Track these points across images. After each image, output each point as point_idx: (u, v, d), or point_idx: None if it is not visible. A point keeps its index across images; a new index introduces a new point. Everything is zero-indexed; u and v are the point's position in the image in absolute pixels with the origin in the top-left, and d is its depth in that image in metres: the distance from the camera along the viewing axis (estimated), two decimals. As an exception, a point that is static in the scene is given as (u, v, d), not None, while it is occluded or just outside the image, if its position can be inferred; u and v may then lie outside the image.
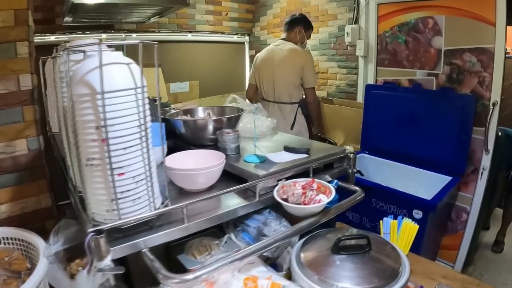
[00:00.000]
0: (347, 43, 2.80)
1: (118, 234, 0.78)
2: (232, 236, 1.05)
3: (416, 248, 1.17)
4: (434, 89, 2.31)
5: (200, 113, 1.60)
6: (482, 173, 2.13)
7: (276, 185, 1.05)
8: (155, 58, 0.75)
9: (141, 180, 0.76)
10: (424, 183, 2.13)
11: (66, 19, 2.25)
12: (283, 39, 2.63)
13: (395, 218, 1.20)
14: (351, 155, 1.34)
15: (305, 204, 0.97)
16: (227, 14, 3.57)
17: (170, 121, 1.38)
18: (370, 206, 2.01)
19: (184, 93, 3.43)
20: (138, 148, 0.75)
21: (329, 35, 2.97)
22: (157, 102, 1.14)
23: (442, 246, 2.34)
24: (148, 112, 0.78)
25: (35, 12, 2.42)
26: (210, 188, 1.06)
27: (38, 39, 2.65)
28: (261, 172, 1.05)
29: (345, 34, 2.75)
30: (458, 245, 2.28)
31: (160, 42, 3.19)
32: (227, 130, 1.28)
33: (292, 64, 2.52)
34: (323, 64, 3.07)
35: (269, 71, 2.60)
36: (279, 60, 2.56)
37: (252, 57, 3.93)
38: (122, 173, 0.72)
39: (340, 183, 1.19)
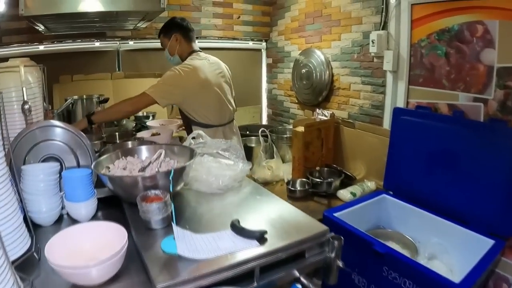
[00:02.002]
0: (372, 54, 2.40)
1: None
2: None
3: None
4: (481, 119, 1.90)
5: (145, 153, 1.39)
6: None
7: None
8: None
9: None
10: (457, 243, 1.76)
11: (41, 29, 2.23)
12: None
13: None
14: (335, 242, 1.00)
15: None
16: (239, 17, 3.33)
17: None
18: (381, 275, 1.65)
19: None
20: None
21: (352, 43, 2.59)
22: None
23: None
24: None
25: (19, 20, 2.40)
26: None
27: (25, 49, 2.65)
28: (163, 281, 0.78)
29: (370, 43, 2.36)
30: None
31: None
32: (153, 194, 1.05)
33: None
34: (345, 78, 2.70)
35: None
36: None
37: (269, 66, 3.65)
38: None
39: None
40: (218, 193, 1.22)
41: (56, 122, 1.31)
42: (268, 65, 3.70)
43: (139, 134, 2.05)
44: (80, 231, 0.95)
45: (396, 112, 2.16)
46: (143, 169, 1.23)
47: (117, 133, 2.10)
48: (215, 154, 1.42)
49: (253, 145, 2.97)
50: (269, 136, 2.75)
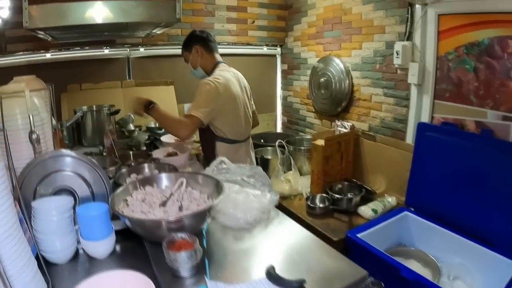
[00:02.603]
0: (396, 66, 2.36)
1: None
2: None
3: None
4: (511, 139, 1.86)
5: (165, 182, 1.36)
6: None
7: None
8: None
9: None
10: (482, 264, 1.73)
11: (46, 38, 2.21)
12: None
13: None
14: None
15: None
16: (253, 22, 3.30)
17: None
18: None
19: (200, 114, 3.24)
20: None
21: (374, 53, 2.55)
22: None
23: None
24: None
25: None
26: None
27: (30, 57, 2.63)
28: None
29: (394, 54, 2.31)
30: None
31: (171, 56, 3.06)
32: (180, 238, 1.01)
33: None
34: (366, 89, 2.66)
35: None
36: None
37: (285, 72, 3.62)
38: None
39: None
40: (246, 227, 1.20)
41: (67, 152, 1.28)
42: (283, 71, 3.67)
43: (155, 154, 2.02)
44: (102, 282, 0.90)
45: (421, 127, 2.13)
46: (164, 203, 1.20)
47: (131, 152, 2.07)
48: (239, 181, 1.40)
49: (269, 157, 2.95)
50: (286, 148, 2.73)
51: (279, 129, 3.84)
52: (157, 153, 2.05)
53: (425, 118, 2.24)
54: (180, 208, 1.16)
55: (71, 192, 1.24)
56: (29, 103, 1.25)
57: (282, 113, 3.79)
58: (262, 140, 3.33)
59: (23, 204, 0.99)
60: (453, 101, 2.10)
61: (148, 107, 1.97)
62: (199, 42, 2.22)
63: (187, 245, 0.98)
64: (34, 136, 1.24)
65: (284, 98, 3.73)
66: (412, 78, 2.25)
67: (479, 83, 1.96)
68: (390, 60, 2.41)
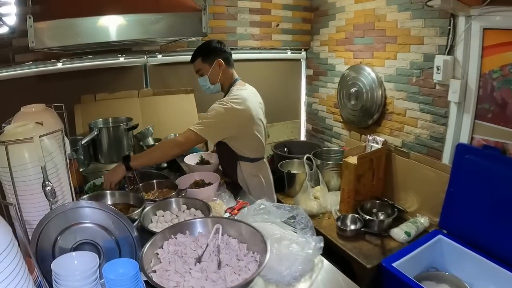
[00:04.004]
0: (435, 81, 2.34)
1: None
2: None
3: None
4: None
5: (199, 227, 1.34)
6: None
7: None
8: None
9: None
10: None
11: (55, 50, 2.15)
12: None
13: None
14: None
15: None
16: (278, 25, 3.28)
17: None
18: None
19: (222, 123, 3.24)
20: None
21: (411, 65, 2.52)
22: None
23: None
24: None
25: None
26: None
27: (40, 67, 2.60)
28: None
29: (435, 69, 2.29)
30: None
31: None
32: None
33: None
34: (400, 103, 2.64)
35: None
36: None
37: (310, 78, 3.61)
38: None
39: None
40: (291, 282, 1.18)
41: (86, 203, 1.21)
42: (308, 76, 3.66)
43: (180, 183, 1.93)
44: None
45: (460, 149, 2.14)
46: (199, 259, 1.17)
47: (155, 181, 1.94)
48: (279, 223, 1.41)
49: (295, 171, 2.96)
50: (314, 162, 2.74)
51: (302, 137, 3.85)
52: (182, 182, 1.98)
53: (464, 139, 2.23)
54: (219, 265, 1.14)
55: (94, 245, 1.19)
56: (40, 152, 1.14)
57: (306, 121, 3.79)
58: (285, 149, 3.34)
59: (39, 268, 0.95)
60: (495, 122, 2.09)
61: (127, 164, 1.87)
62: (221, 55, 2.14)
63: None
64: (48, 189, 1.17)
65: (309, 105, 3.73)
66: (453, 96, 2.23)
67: (526, 106, 1.95)
68: (428, 74, 2.39)
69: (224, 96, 2.14)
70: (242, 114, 2.03)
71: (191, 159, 2.35)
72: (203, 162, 2.37)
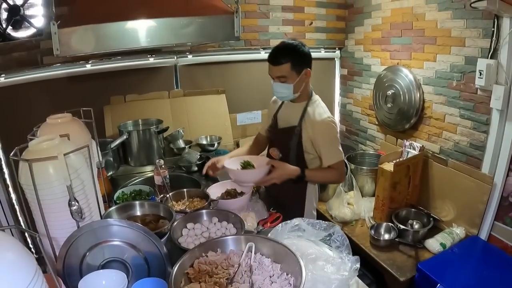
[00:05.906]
0: (477, 86, 2.33)
1: None
2: None
3: None
4: None
5: (231, 245, 1.34)
6: None
7: None
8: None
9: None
10: None
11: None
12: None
13: None
14: None
15: None
16: (311, 23, 3.33)
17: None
18: None
19: (254, 124, 3.35)
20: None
21: (451, 68, 2.52)
22: None
23: None
24: None
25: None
26: None
27: (69, 69, 2.70)
28: None
29: (477, 73, 2.28)
30: None
31: (222, 63, 3.08)
32: None
33: None
34: (438, 107, 2.65)
35: None
36: None
37: (344, 78, 3.64)
38: None
39: None
40: None
41: (114, 221, 1.25)
42: (342, 76, 3.70)
43: (212, 192, 1.95)
44: None
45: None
46: (231, 280, 1.16)
47: (185, 190, 1.94)
48: (316, 242, 1.44)
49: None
50: (348, 167, 2.79)
51: (336, 138, 3.87)
52: (213, 191, 2.00)
53: (506, 148, 2.22)
54: (251, 287, 1.14)
55: (122, 263, 1.22)
56: (65, 171, 1.14)
57: (340, 122, 3.82)
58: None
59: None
60: (541, 132, 2.08)
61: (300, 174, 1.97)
62: (310, 64, 2.03)
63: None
64: (74, 208, 1.19)
65: (343, 106, 3.77)
66: (496, 103, 2.22)
67: None
68: (470, 78, 2.38)
69: (293, 101, 2.13)
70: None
71: (233, 164, 2.03)
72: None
